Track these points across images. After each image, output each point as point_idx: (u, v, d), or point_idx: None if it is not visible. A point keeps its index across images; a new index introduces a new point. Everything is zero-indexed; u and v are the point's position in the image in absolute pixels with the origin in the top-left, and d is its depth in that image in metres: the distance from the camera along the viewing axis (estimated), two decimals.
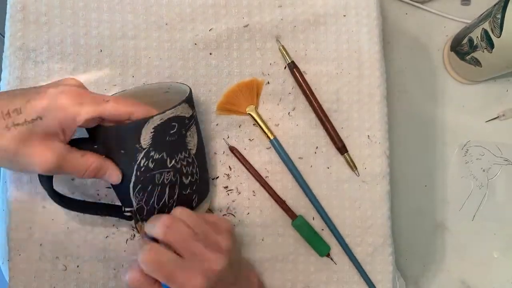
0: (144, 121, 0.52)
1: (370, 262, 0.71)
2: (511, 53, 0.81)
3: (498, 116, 0.96)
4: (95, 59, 0.70)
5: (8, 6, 0.69)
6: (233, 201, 0.70)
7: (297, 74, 0.71)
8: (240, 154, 0.70)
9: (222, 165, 0.71)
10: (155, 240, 0.54)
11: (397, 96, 0.96)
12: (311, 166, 0.71)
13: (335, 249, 0.71)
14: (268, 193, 0.70)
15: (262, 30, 0.72)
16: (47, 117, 0.49)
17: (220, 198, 0.70)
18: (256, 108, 0.71)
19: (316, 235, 0.70)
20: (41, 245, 0.67)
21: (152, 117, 0.53)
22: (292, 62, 0.71)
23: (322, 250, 0.70)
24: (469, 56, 0.90)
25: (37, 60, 0.69)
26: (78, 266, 0.67)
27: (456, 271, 0.92)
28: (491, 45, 0.82)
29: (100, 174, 0.55)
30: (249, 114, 0.71)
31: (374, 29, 0.73)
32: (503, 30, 0.77)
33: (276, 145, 0.70)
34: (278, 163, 0.71)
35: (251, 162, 0.70)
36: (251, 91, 0.71)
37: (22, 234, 0.67)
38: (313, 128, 0.72)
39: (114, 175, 0.56)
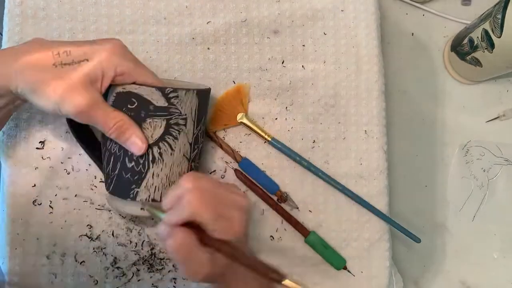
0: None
1: (366, 257, 0.70)
2: (511, 53, 0.81)
3: (498, 116, 0.96)
4: None
5: (6, 1, 0.69)
6: None
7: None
8: (246, 177, 0.70)
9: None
10: None
11: (397, 96, 0.96)
12: (309, 159, 0.71)
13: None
14: (278, 213, 0.70)
15: (260, 25, 0.72)
16: (93, 60, 0.51)
17: None
18: (246, 114, 0.71)
19: (330, 249, 0.70)
20: (38, 239, 0.67)
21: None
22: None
23: (338, 263, 0.69)
24: (469, 56, 0.90)
25: None
26: (75, 260, 0.67)
27: (456, 271, 0.91)
28: (491, 45, 0.82)
29: (125, 136, 0.55)
30: (241, 122, 0.70)
31: (372, 24, 0.73)
32: (504, 30, 0.77)
33: (276, 144, 0.70)
34: (275, 158, 0.71)
35: (249, 157, 0.70)
36: (236, 99, 0.71)
37: (18, 228, 0.66)
38: (311, 122, 0.71)
39: (138, 142, 0.55)
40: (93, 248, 0.67)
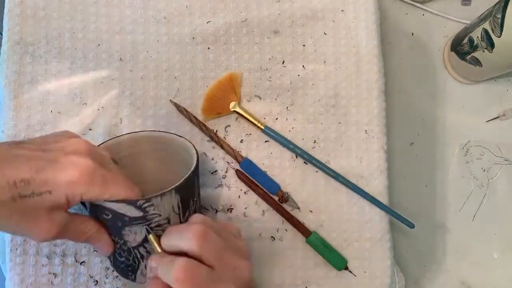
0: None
1: (368, 257, 0.70)
2: (511, 53, 0.81)
3: (498, 116, 0.96)
4: (93, 53, 0.70)
5: (6, 0, 0.69)
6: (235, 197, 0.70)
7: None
8: (247, 177, 0.70)
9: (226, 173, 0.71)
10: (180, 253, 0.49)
11: (397, 96, 0.96)
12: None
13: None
14: (279, 213, 0.69)
15: (260, 25, 0.72)
16: (56, 191, 0.47)
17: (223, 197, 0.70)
18: (239, 102, 0.71)
19: (332, 250, 0.69)
20: None
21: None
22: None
23: (340, 264, 0.69)
24: (469, 56, 0.90)
25: (35, 54, 0.69)
26: (75, 260, 0.66)
27: (456, 271, 0.91)
28: (491, 45, 0.81)
29: (93, 242, 0.54)
30: (234, 111, 0.70)
31: (372, 24, 0.73)
32: (504, 30, 0.77)
33: (270, 133, 0.70)
34: (276, 158, 0.71)
35: (250, 157, 0.70)
36: (228, 88, 0.71)
37: None
38: (311, 122, 0.71)
39: (105, 248, 0.55)
40: (93, 248, 0.67)
